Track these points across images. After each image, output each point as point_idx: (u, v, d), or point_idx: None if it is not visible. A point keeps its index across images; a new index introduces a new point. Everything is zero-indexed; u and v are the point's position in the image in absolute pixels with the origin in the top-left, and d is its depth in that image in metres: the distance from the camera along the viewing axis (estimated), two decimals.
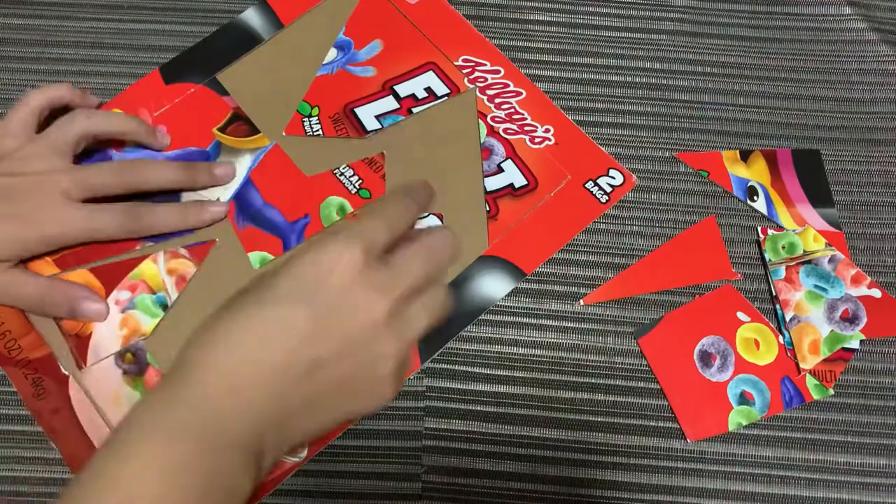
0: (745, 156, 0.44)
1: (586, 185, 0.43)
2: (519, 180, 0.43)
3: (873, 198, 0.44)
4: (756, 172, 0.44)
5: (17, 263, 0.37)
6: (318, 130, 0.43)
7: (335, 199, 0.42)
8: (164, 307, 0.39)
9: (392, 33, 0.46)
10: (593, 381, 0.40)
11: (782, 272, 0.41)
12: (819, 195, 0.43)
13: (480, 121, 0.44)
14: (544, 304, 0.41)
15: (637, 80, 0.46)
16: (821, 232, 0.42)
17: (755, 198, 0.43)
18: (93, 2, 0.47)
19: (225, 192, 0.42)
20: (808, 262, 0.42)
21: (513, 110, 0.44)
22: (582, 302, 0.41)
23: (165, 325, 0.39)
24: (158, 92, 0.44)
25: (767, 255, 0.42)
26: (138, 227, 0.39)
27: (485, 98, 0.44)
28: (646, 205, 0.43)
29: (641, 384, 0.40)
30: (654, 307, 0.41)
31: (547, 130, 0.44)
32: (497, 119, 0.44)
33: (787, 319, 0.40)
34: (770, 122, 0.45)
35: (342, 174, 0.42)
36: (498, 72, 0.45)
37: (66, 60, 0.45)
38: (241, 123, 0.43)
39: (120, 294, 0.39)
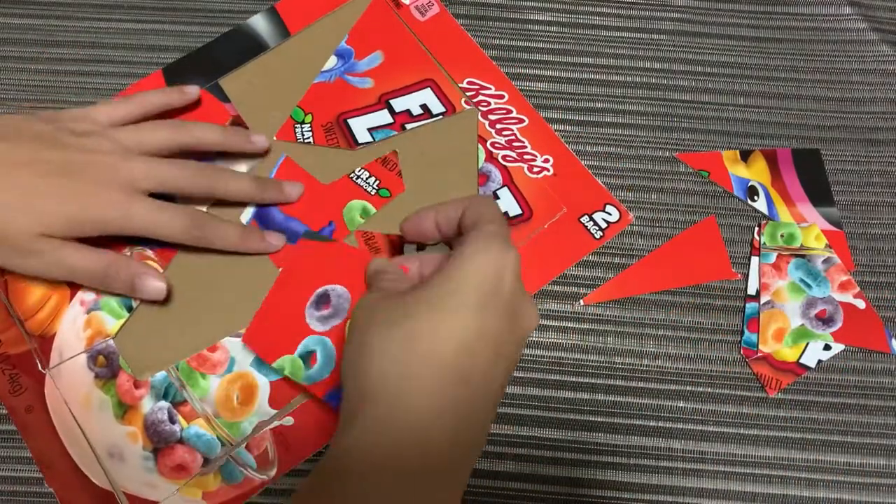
0: (746, 156, 0.44)
1: (581, 220, 0.42)
2: (514, 209, 0.42)
3: (873, 198, 0.44)
4: (756, 172, 0.44)
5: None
6: (309, 138, 0.43)
7: (357, 203, 0.41)
8: (129, 309, 0.39)
9: (394, 47, 0.45)
10: (593, 381, 0.40)
11: (772, 257, 0.41)
12: (820, 194, 0.44)
13: (480, 145, 0.43)
14: (544, 304, 0.41)
15: (637, 80, 0.46)
16: (822, 231, 0.42)
17: (756, 197, 0.43)
18: (93, 2, 0.47)
19: (245, 212, 0.41)
20: (802, 256, 0.42)
21: (513, 137, 0.43)
22: (582, 302, 0.41)
23: (129, 327, 0.38)
24: (196, 100, 0.43)
25: (764, 240, 0.42)
26: (201, 235, 0.37)
27: (486, 123, 0.44)
28: (646, 205, 0.43)
29: (641, 384, 0.40)
30: (654, 307, 0.41)
31: (546, 160, 0.43)
32: (497, 145, 0.43)
33: (762, 303, 0.40)
34: (770, 122, 0.45)
35: (359, 177, 0.42)
36: (502, 97, 0.45)
37: (66, 60, 0.45)
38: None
39: (85, 295, 0.39)
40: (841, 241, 0.42)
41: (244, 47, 0.45)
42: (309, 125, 0.43)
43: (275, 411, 0.38)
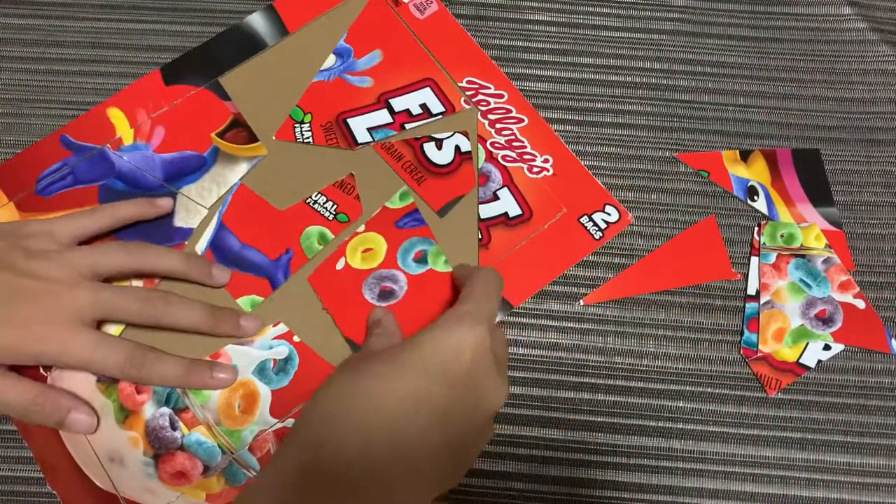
0: (745, 156, 0.44)
1: (581, 220, 0.42)
2: (514, 210, 0.42)
3: (873, 198, 0.44)
4: (756, 172, 0.44)
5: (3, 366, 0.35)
6: (308, 138, 0.43)
7: (314, 229, 0.41)
8: None
9: (393, 45, 0.45)
10: (593, 381, 0.40)
11: (772, 258, 0.41)
12: (819, 194, 0.44)
13: (479, 145, 0.43)
14: (544, 304, 0.41)
15: (637, 80, 0.46)
16: (822, 231, 0.42)
17: (755, 198, 0.43)
18: (93, 2, 0.47)
19: (201, 241, 0.40)
20: (802, 256, 0.42)
21: (513, 137, 0.43)
22: (582, 302, 0.41)
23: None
24: (158, 93, 0.44)
25: (763, 240, 0.42)
26: (138, 375, 0.35)
27: (486, 122, 0.44)
28: (646, 205, 0.43)
29: (641, 384, 0.40)
30: (654, 307, 0.41)
31: (546, 161, 0.43)
32: (497, 145, 0.43)
33: (761, 303, 0.40)
34: (770, 122, 0.45)
35: (316, 202, 0.41)
36: (501, 96, 0.44)
37: (66, 60, 0.45)
38: (241, 130, 0.43)
39: None
40: (841, 241, 0.42)
41: (242, 45, 0.45)
42: (308, 125, 0.43)
43: (276, 420, 0.38)
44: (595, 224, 0.42)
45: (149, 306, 0.36)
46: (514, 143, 0.43)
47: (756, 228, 0.43)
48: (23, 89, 0.44)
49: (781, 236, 0.42)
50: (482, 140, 0.43)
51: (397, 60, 0.45)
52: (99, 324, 0.37)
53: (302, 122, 0.43)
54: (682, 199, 0.43)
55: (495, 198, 0.42)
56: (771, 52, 0.47)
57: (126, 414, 0.37)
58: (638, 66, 0.47)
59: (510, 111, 0.44)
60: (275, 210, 0.41)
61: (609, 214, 0.42)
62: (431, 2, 0.46)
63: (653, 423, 0.39)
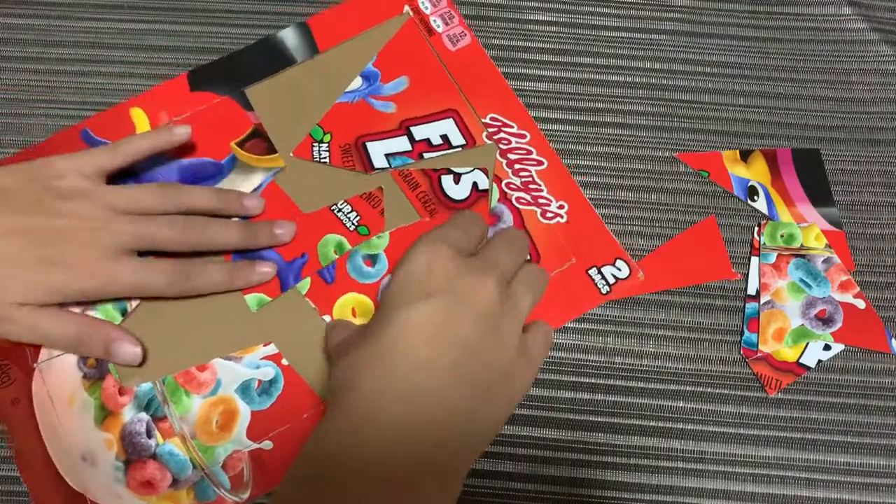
0: (745, 156, 0.44)
1: (589, 272, 0.41)
2: None
3: (873, 198, 0.44)
4: (756, 172, 0.44)
5: None
6: (325, 158, 0.42)
7: (333, 237, 0.41)
8: (123, 313, 0.39)
9: (421, 73, 0.45)
10: (593, 381, 0.40)
11: (772, 258, 0.41)
12: (819, 194, 0.44)
13: (494, 184, 0.42)
14: None
15: (637, 80, 0.46)
16: (822, 231, 0.42)
17: (755, 197, 0.43)
18: (93, 2, 0.47)
19: None
20: (802, 256, 0.42)
21: (530, 179, 0.42)
22: None
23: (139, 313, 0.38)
24: (182, 97, 0.43)
25: (763, 240, 0.42)
26: (188, 286, 0.37)
27: (504, 162, 0.43)
28: (646, 205, 0.43)
29: (641, 384, 0.40)
30: (654, 307, 0.41)
31: (561, 207, 0.42)
32: (512, 186, 0.42)
33: (761, 303, 0.40)
34: (770, 122, 0.45)
35: (340, 210, 0.41)
36: (524, 136, 0.43)
37: (66, 60, 0.45)
38: (261, 140, 0.43)
39: None
40: (841, 241, 0.42)
41: (271, 59, 0.45)
42: (327, 144, 0.43)
43: (251, 443, 0.37)
44: (603, 278, 0.41)
45: (188, 231, 0.37)
46: (531, 186, 0.42)
47: (756, 228, 0.43)
48: (22, 89, 0.44)
49: (781, 236, 0.42)
50: (497, 180, 0.42)
51: (423, 89, 0.44)
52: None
53: (321, 142, 0.43)
54: (682, 199, 0.43)
55: None
56: (771, 52, 0.47)
57: (105, 414, 0.37)
58: (638, 66, 0.47)
59: (530, 152, 0.43)
60: (299, 212, 0.41)
61: (619, 269, 0.41)
62: (465, 34, 0.46)
63: (653, 423, 0.39)
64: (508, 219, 0.42)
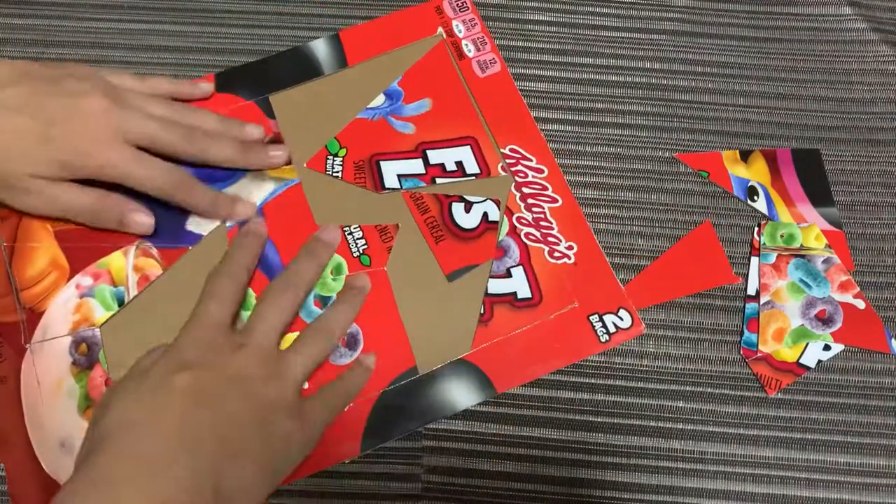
0: (745, 156, 0.44)
1: (590, 318, 0.40)
2: (524, 291, 0.40)
3: (873, 198, 0.44)
4: (756, 172, 0.44)
5: None
6: (338, 172, 0.42)
7: (335, 257, 0.40)
8: (121, 303, 0.39)
9: (445, 97, 0.44)
10: (593, 381, 0.40)
11: (772, 258, 0.41)
12: (819, 194, 0.44)
13: (505, 216, 0.42)
14: None
15: (637, 80, 0.46)
16: (822, 231, 0.42)
17: (755, 198, 0.43)
18: (93, 2, 0.47)
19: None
20: (802, 256, 0.42)
21: (542, 216, 0.42)
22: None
23: (115, 322, 0.38)
24: (207, 98, 0.44)
25: (763, 240, 0.42)
26: (194, 149, 0.39)
27: (517, 195, 0.42)
28: (646, 205, 0.43)
29: (641, 384, 0.40)
30: (654, 307, 0.41)
31: (570, 248, 0.41)
32: (523, 221, 0.41)
33: (761, 303, 0.40)
34: (770, 122, 0.45)
35: (350, 233, 0.41)
36: (541, 171, 0.43)
37: (67, 60, 0.45)
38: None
39: (83, 279, 0.39)
40: (841, 241, 0.42)
41: (299, 68, 0.45)
42: (341, 159, 0.43)
43: None
44: (604, 326, 0.40)
45: (189, 140, 0.39)
46: (542, 223, 0.41)
47: (756, 228, 0.43)
48: None
49: (781, 236, 0.42)
50: (508, 212, 0.42)
51: (445, 113, 0.44)
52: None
53: (336, 155, 0.43)
54: (682, 199, 0.43)
55: (508, 275, 0.40)
56: (771, 52, 0.47)
57: (89, 403, 0.37)
58: (638, 66, 0.47)
59: (546, 188, 0.42)
60: (311, 220, 0.41)
61: (621, 319, 0.40)
62: (496, 62, 0.45)
63: (653, 423, 0.39)
64: (514, 254, 0.41)
